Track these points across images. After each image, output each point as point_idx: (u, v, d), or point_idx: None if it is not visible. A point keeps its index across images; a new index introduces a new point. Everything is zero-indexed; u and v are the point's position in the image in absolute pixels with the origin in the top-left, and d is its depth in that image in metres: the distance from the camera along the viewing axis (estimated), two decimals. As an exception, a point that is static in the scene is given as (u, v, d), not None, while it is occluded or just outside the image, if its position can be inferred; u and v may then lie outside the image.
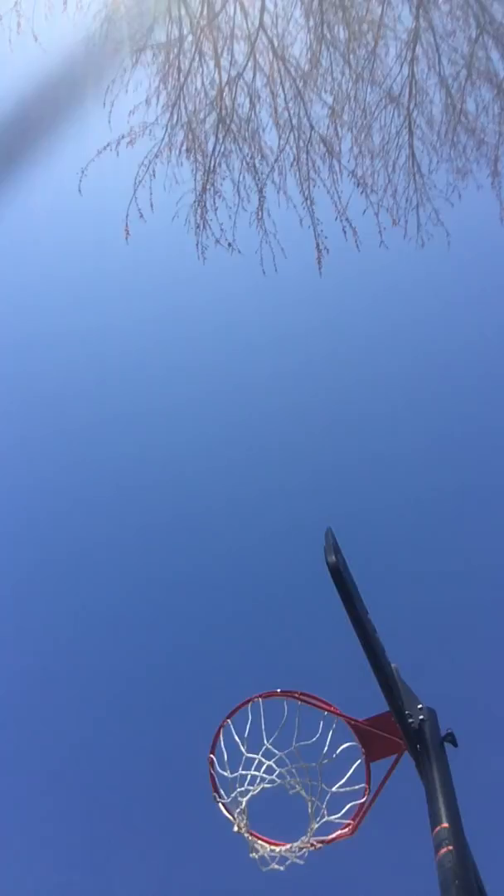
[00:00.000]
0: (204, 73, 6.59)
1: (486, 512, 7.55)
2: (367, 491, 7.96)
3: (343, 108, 6.77)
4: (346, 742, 3.19)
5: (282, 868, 3.16)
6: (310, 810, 3.13)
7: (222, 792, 3.31)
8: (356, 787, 3.13)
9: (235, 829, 3.22)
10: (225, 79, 6.57)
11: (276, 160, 6.71)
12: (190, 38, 6.56)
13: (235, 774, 3.27)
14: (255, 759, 3.27)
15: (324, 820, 3.12)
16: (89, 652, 7.58)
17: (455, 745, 2.80)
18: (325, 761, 3.16)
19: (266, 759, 3.24)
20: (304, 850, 3.13)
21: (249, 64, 6.58)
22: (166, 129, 6.57)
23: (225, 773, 3.30)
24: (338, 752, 3.17)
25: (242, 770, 3.27)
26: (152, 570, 7.92)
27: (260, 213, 6.66)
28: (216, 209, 6.67)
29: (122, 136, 6.38)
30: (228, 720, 3.42)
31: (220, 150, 6.69)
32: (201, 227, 6.68)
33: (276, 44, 6.67)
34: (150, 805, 6.88)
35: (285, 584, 7.56)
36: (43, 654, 7.60)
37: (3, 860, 6.67)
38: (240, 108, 6.69)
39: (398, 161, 6.74)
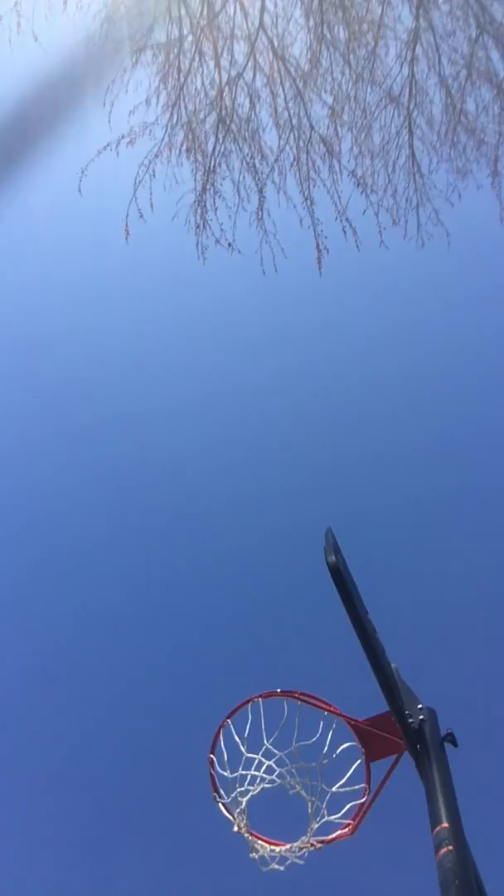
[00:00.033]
0: (204, 73, 6.59)
1: (486, 512, 7.55)
2: (367, 491, 7.96)
3: (343, 108, 6.77)
4: (346, 742, 3.19)
5: (282, 868, 3.16)
6: (310, 810, 3.13)
7: (222, 792, 3.31)
8: (356, 787, 3.13)
9: (235, 829, 3.22)
10: (225, 79, 6.57)
11: (276, 160, 6.71)
12: (190, 38, 6.56)
13: (235, 774, 3.27)
14: (255, 759, 3.26)
15: (324, 820, 3.12)
16: (89, 652, 7.58)
17: (455, 745, 2.80)
18: (325, 761, 3.16)
19: (266, 759, 3.24)
20: (304, 850, 3.12)
21: (249, 64, 6.58)
22: (166, 129, 6.58)
23: (225, 773, 3.30)
24: (338, 752, 3.16)
25: (242, 770, 3.27)
26: (152, 570, 7.93)
27: (260, 213, 6.67)
28: (216, 209, 6.68)
29: (122, 136, 6.38)
30: (228, 720, 3.42)
31: (220, 150, 6.70)
32: (201, 227, 6.69)
33: (276, 44, 6.68)
34: (150, 805, 6.88)
35: (285, 584, 7.57)
36: (43, 654, 7.60)
37: (3, 860, 6.68)
38: (240, 108, 6.69)
39: (398, 161, 6.75)
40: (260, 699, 3.40)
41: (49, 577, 7.94)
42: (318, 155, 6.71)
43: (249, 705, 3.40)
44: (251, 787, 3.23)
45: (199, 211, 6.69)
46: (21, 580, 7.93)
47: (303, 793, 3.16)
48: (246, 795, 3.23)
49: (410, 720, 2.86)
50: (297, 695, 3.33)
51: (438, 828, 2.43)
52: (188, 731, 6.41)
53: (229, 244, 6.63)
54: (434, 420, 8.08)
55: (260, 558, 7.84)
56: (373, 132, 6.78)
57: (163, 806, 6.79)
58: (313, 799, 3.14)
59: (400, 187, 6.73)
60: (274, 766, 3.23)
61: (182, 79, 6.57)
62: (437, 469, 7.91)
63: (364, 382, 8.42)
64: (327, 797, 3.14)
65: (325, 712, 3.26)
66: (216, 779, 3.36)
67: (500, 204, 6.76)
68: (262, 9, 6.52)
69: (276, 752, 3.24)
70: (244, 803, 3.22)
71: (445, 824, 2.43)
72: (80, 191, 6.36)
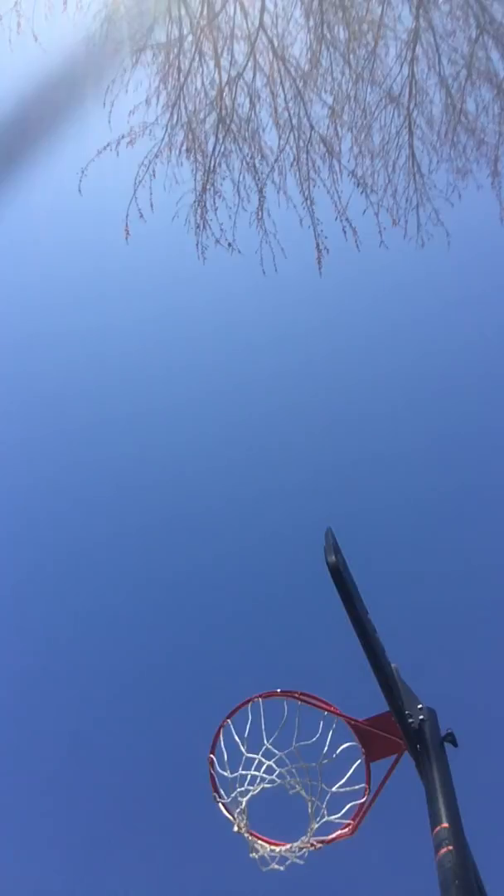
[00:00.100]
0: (204, 73, 6.59)
1: (486, 512, 7.55)
2: (368, 491, 7.96)
3: (343, 108, 6.77)
4: (346, 742, 3.19)
5: (282, 868, 3.16)
6: (310, 810, 3.13)
7: (222, 792, 3.31)
8: (356, 787, 3.13)
9: (235, 829, 3.22)
10: (225, 79, 6.57)
11: (276, 160, 6.71)
12: (190, 38, 6.56)
13: (235, 774, 3.27)
14: (255, 759, 3.26)
15: (324, 820, 3.12)
16: (89, 652, 7.58)
17: (455, 745, 2.80)
18: (325, 761, 3.16)
19: (266, 759, 3.24)
20: (304, 850, 3.12)
21: (249, 64, 6.58)
22: (166, 129, 6.58)
23: (225, 773, 3.30)
24: (338, 752, 3.16)
25: (242, 770, 3.27)
26: (152, 570, 7.93)
27: (260, 213, 6.67)
28: (216, 209, 6.68)
29: (122, 136, 6.38)
30: (228, 720, 3.42)
31: (220, 150, 6.70)
32: (201, 227, 6.69)
33: (276, 44, 6.68)
34: (150, 805, 6.88)
35: (285, 584, 7.57)
36: (43, 653, 7.60)
37: (3, 860, 6.68)
38: (240, 108, 6.69)
39: (398, 161, 6.75)
40: (260, 699, 3.40)
41: (49, 576, 7.94)
42: (318, 155, 6.71)
43: (249, 705, 3.40)
44: (251, 787, 3.23)
45: (199, 211, 6.70)
46: (21, 580, 7.93)
47: (303, 793, 3.16)
48: (246, 795, 3.23)
49: (410, 720, 2.86)
50: (297, 695, 3.33)
51: (438, 828, 2.43)
52: (188, 731, 6.41)
53: (229, 244, 6.63)
54: (434, 420, 8.09)
55: (260, 558, 7.84)
56: (373, 132, 6.78)
57: (163, 806, 6.79)
58: (313, 799, 3.14)
59: (400, 187, 6.74)
60: (274, 766, 3.23)
61: (182, 79, 6.57)
62: (437, 469, 7.92)
63: (364, 382, 8.43)
64: (327, 797, 3.15)
65: (325, 712, 3.26)
66: (216, 779, 3.36)
67: (500, 204, 6.77)
68: (262, 9, 6.52)
69: (276, 752, 3.24)
70: (244, 803, 3.22)
71: (445, 824, 2.43)
72: (80, 191, 6.36)
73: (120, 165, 6.39)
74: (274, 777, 3.22)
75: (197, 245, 6.71)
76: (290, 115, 6.68)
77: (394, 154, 6.75)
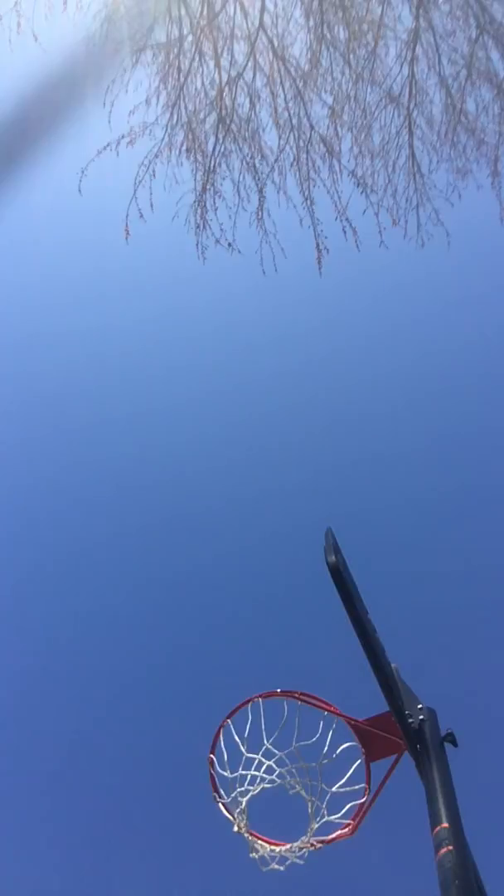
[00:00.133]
0: (204, 73, 6.59)
1: (485, 512, 7.55)
2: (368, 491, 7.96)
3: (343, 108, 6.77)
4: (346, 742, 3.19)
5: (282, 868, 3.16)
6: (310, 810, 3.13)
7: (222, 792, 3.31)
8: (356, 787, 3.13)
9: (235, 829, 3.22)
10: (225, 79, 6.57)
11: (276, 160, 6.71)
12: (190, 38, 6.56)
13: (235, 774, 3.27)
14: (255, 759, 3.26)
15: (324, 820, 3.12)
16: (89, 652, 7.58)
17: (455, 745, 2.80)
18: (325, 761, 3.16)
19: (266, 759, 3.24)
20: (304, 850, 3.12)
21: (249, 64, 6.58)
22: (166, 129, 6.58)
23: (225, 773, 3.30)
24: (338, 752, 3.16)
25: (242, 770, 3.27)
26: (152, 569, 7.93)
27: (260, 213, 6.67)
28: (216, 209, 6.68)
29: (122, 136, 6.38)
30: (228, 720, 3.42)
31: (220, 150, 6.70)
32: (201, 227, 6.69)
33: (276, 44, 6.68)
34: (150, 805, 6.88)
35: (285, 584, 7.57)
36: (43, 653, 7.60)
37: (3, 860, 6.68)
38: (240, 108, 6.69)
39: (398, 161, 6.75)
40: (260, 699, 3.40)
41: (49, 576, 7.94)
42: (318, 155, 6.71)
43: (249, 705, 3.40)
44: (251, 787, 3.23)
45: (199, 211, 6.70)
46: (21, 580, 7.93)
47: (303, 793, 3.16)
48: (246, 795, 3.23)
49: (410, 720, 2.86)
50: (297, 695, 3.33)
51: (438, 828, 2.43)
52: (188, 731, 6.41)
53: (229, 244, 6.63)
54: (434, 420, 8.09)
55: (260, 558, 7.84)
56: (373, 132, 6.78)
57: (163, 806, 6.79)
58: (313, 799, 3.14)
59: (400, 187, 6.74)
60: (274, 766, 3.23)
61: (182, 79, 6.57)
62: (437, 469, 7.92)
63: (364, 382, 8.43)
64: (327, 797, 3.15)
65: (325, 712, 3.26)
66: (216, 779, 3.36)
67: (500, 204, 6.77)
68: (262, 9, 6.52)
69: (276, 752, 3.24)
70: (244, 803, 3.22)
71: (445, 824, 2.43)
72: (80, 191, 6.36)
73: (120, 165, 6.40)
74: (274, 777, 3.22)
75: (197, 245, 6.72)
76: (290, 115, 6.69)
77: (394, 154, 6.75)
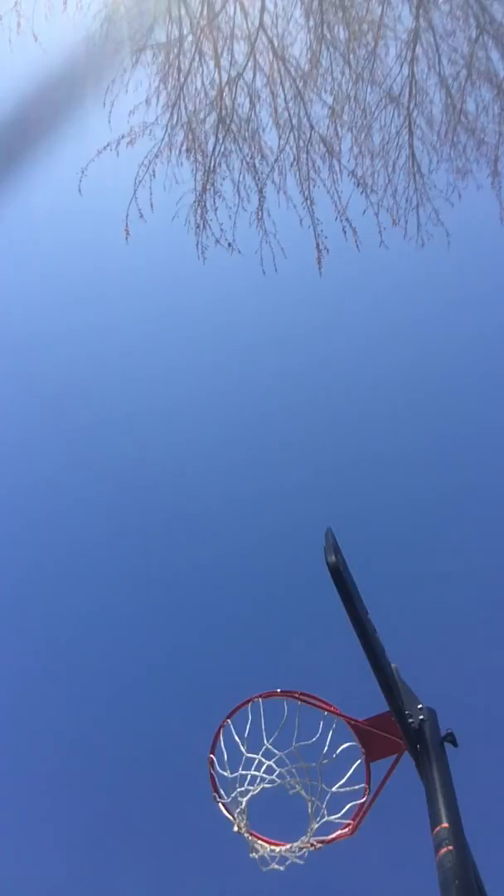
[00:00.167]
0: (204, 73, 6.59)
1: (485, 512, 7.55)
2: (368, 491, 7.96)
3: (343, 108, 6.77)
4: (346, 742, 3.19)
5: (282, 868, 3.16)
6: (310, 810, 3.13)
7: (222, 792, 3.31)
8: (356, 787, 3.13)
9: (235, 829, 3.22)
10: (225, 79, 6.57)
11: (276, 160, 6.71)
12: (190, 38, 6.56)
13: (235, 774, 3.27)
14: (255, 759, 3.26)
15: (324, 820, 3.12)
16: (90, 652, 7.58)
17: (455, 745, 2.80)
18: (325, 761, 3.16)
19: (266, 759, 3.24)
20: (304, 850, 3.12)
21: (249, 64, 6.58)
22: (166, 129, 6.58)
23: (225, 773, 3.30)
24: (338, 752, 3.17)
25: (242, 770, 3.27)
26: (152, 569, 7.93)
27: (260, 213, 6.67)
28: (216, 209, 6.68)
29: (122, 136, 6.38)
30: (228, 720, 3.42)
31: (220, 150, 6.69)
32: (201, 227, 6.69)
33: (276, 44, 6.67)
34: (150, 805, 6.88)
35: (285, 584, 7.57)
36: (43, 654, 7.60)
37: (3, 860, 6.68)
38: (240, 108, 6.69)
39: (398, 161, 6.75)
40: (260, 699, 3.40)
41: (49, 576, 7.94)
42: (318, 155, 6.71)
43: (249, 705, 3.40)
44: (251, 787, 3.23)
45: (199, 211, 6.69)
46: (21, 580, 7.94)
47: (303, 793, 3.17)
48: (246, 795, 3.23)
49: (410, 720, 2.86)
50: (297, 695, 3.33)
51: (438, 828, 2.43)
52: (188, 731, 6.41)
53: (229, 244, 6.63)
54: (434, 420, 8.09)
55: (260, 558, 7.85)
56: (373, 132, 6.78)
57: (163, 806, 6.79)
58: (313, 799, 3.14)
59: (400, 187, 6.74)
60: (274, 766, 3.23)
61: (182, 79, 6.57)
62: (437, 469, 7.92)
63: (364, 382, 8.43)
64: (327, 797, 3.15)
65: (325, 712, 3.26)
66: (216, 779, 3.36)
67: (500, 204, 6.77)
68: (262, 9, 6.52)
69: (276, 752, 3.24)
70: (244, 803, 3.22)
71: (445, 824, 2.43)
72: (80, 191, 6.36)
73: (120, 165, 6.40)
74: (274, 777, 3.22)
75: (197, 245, 6.72)
76: (290, 115, 6.68)
77: (394, 154, 6.75)
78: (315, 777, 3.17)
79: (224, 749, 3.37)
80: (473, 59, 6.68)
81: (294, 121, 6.68)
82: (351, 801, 3.12)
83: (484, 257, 7.79)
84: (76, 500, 8.18)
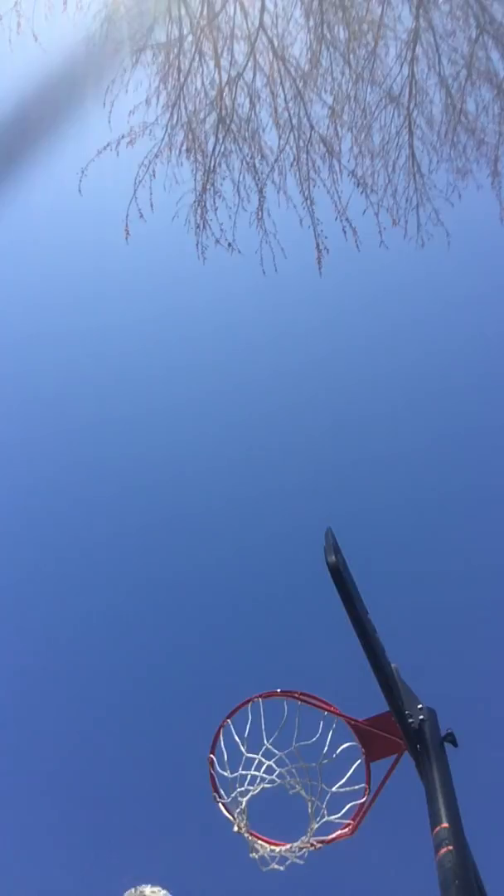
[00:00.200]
0: (204, 73, 6.59)
1: (486, 512, 7.56)
2: (368, 491, 7.96)
3: (343, 108, 6.77)
4: (346, 742, 3.18)
5: (282, 868, 3.16)
6: (310, 810, 3.13)
7: (222, 792, 3.30)
8: (356, 787, 3.13)
9: (235, 829, 3.22)
10: (225, 79, 6.57)
11: (276, 160, 6.71)
12: (190, 38, 6.55)
13: (235, 774, 3.26)
14: (255, 759, 3.26)
15: (324, 820, 3.11)
16: (89, 652, 7.58)
17: (455, 745, 2.80)
18: (325, 761, 3.15)
19: (266, 759, 3.23)
20: (304, 850, 3.12)
21: (249, 64, 6.58)
22: (166, 129, 6.58)
23: (225, 773, 3.30)
24: (338, 752, 3.16)
25: (242, 770, 3.26)
26: (152, 569, 7.93)
27: (260, 213, 6.67)
28: (216, 209, 6.68)
29: (122, 136, 6.37)
30: (228, 720, 3.41)
31: (220, 150, 6.69)
32: (201, 227, 6.69)
33: (276, 44, 6.67)
34: (150, 805, 6.89)
35: (285, 584, 7.57)
36: (42, 654, 7.60)
37: (3, 860, 6.68)
38: (240, 108, 6.69)
39: (398, 161, 6.75)
40: (260, 699, 3.39)
41: (49, 576, 7.95)
42: (318, 155, 6.71)
43: (249, 705, 3.39)
44: (251, 787, 3.22)
45: (199, 211, 6.69)
46: (21, 580, 7.94)
47: (303, 793, 3.16)
48: (246, 795, 3.22)
49: (410, 720, 2.85)
50: (297, 695, 3.33)
51: (438, 828, 2.42)
52: (188, 731, 6.41)
53: (229, 244, 6.63)
54: (434, 420, 8.09)
55: (260, 558, 7.85)
56: (373, 132, 6.78)
57: (163, 806, 6.79)
58: (313, 799, 3.13)
59: (400, 187, 6.74)
60: (274, 766, 3.22)
61: (182, 79, 6.57)
62: (437, 469, 7.92)
63: (364, 382, 8.43)
64: (327, 797, 3.14)
65: (325, 712, 3.26)
66: (216, 779, 3.36)
67: (500, 204, 6.77)
68: (262, 9, 6.51)
69: (276, 752, 3.24)
70: (244, 803, 3.21)
71: (445, 824, 2.42)
72: (80, 191, 6.36)
73: (120, 165, 6.40)
74: (274, 777, 3.21)
75: (197, 245, 6.72)
76: (290, 115, 6.68)
77: (394, 154, 6.75)
78: (315, 777, 3.16)
79: (224, 749, 3.36)
80: (473, 59, 6.68)
81: (294, 121, 6.69)
82: (351, 801, 3.11)
83: (484, 257, 7.80)
84: (76, 500, 8.19)
